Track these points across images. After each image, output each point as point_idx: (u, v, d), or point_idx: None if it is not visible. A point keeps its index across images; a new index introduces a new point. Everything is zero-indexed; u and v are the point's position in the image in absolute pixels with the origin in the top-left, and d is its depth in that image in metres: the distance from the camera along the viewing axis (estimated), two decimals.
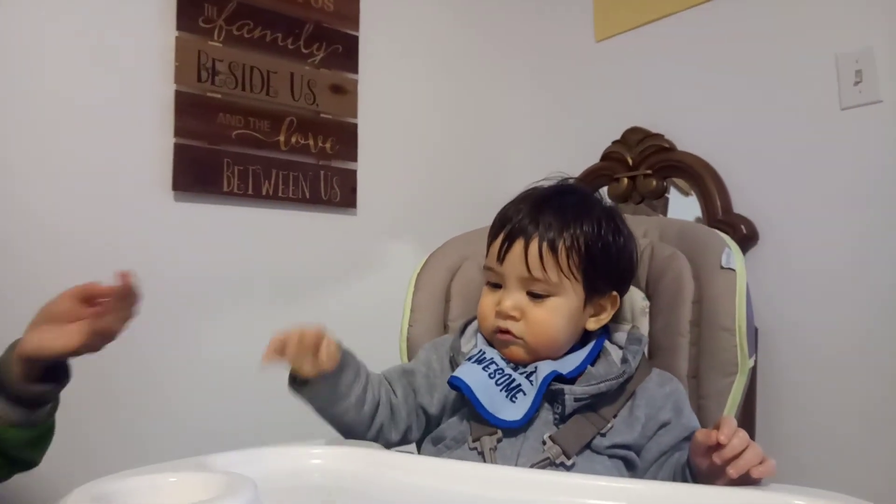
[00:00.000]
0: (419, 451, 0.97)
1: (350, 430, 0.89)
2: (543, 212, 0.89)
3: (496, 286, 0.91)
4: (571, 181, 1.02)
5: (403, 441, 0.94)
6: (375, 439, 0.90)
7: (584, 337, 0.94)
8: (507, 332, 0.89)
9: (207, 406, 1.51)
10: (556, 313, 0.87)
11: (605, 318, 0.92)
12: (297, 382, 0.85)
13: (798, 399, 1.45)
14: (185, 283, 1.51)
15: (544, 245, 0.87)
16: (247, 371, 1.49)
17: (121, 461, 1.35)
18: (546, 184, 0.98)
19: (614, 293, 0.93)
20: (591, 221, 0.89)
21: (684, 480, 0.77)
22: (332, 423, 0.89)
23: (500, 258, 0.89)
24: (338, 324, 1.70)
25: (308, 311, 1.64)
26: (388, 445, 0.92)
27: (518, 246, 0.88)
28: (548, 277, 0.86)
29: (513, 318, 0.88)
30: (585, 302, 0.90)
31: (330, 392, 0.85)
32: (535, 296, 0.88)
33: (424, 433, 0.96)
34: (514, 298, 0.88)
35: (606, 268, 0.90)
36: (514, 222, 0.90)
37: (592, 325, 0.92)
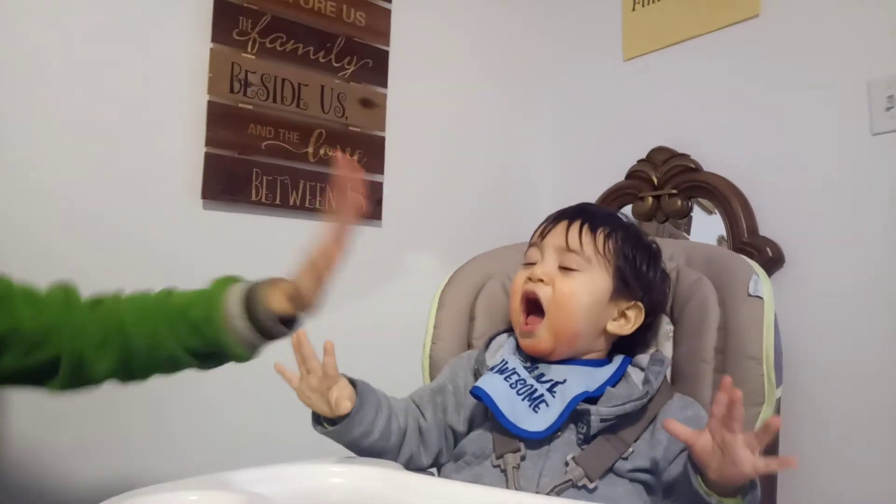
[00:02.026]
0: (440, 469, 0.98)
1: (381, 457, 0.90)
2: (591, 209, 0.98)
3: (531, 265, 0.95)
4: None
5: (435, 464, 0.95)
6: (406, 465, 0.90)
7: (609, 356, 0.94)
8: (532, 308, 0.92)
9: (235, 413, 1.52)
10: (581, 289, 0.90)
11: (627, 328, 0.93)
12: (320, 420, 0.87)
13: (823, 426, 1.43)
14: None
15: (586, 226, 0.93)
16: (272, 379, 1.52)
17: (149, 469, 1.38)
18: None
19: (640, 303, 0.93)
20: (628, 234, 0.95)
21: (685, 474, 0.77)
22: (362, 455, 0.90)
23: (543, 235, 0.95)
24: (362, 335, 1.73)
25: (332, 322, 1.65)
26: (420, 469, 0.92)
27: (561, 225, 0.95)
28: (582, 251, 0.91)
29: (542, 281, 0.91)
30: (612, 294, 0.92)
31: (352, 430, 0.86)
32: (566, 269, 0.92)
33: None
34: (546, 267, 0.92)
35: (637, 271, 0.93)
36: (561, 212, 0.98)
37: (612, 327, 0.93)
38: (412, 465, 0.91)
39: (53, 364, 0.88)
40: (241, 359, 0.94)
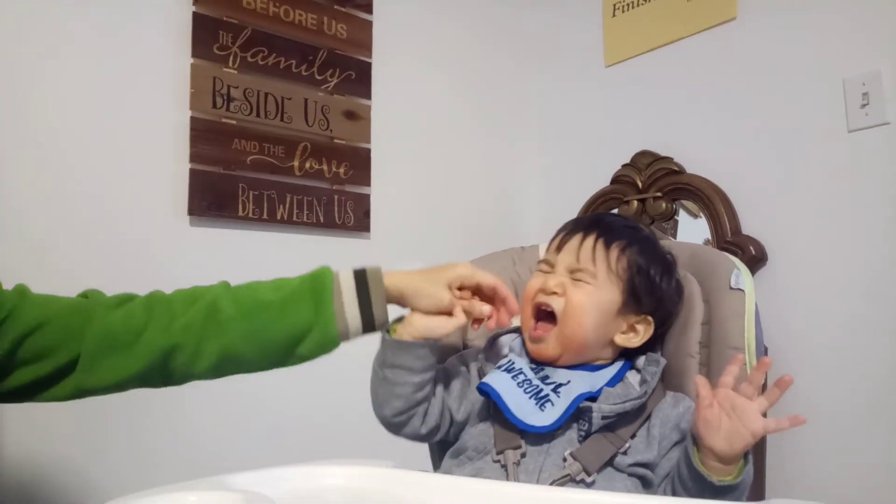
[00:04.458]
0: (438, 466, 0.98)
1: (387, 400, 0.91)
2: (608, 220, 0.98)
3: (545, 273, 0.96)
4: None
5: (429, 437, 0.96)
6: (401, 425, 0.93)
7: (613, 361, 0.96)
8: (543, 316, 0.92)
9: (225, 425, 1.52)
10: (592, 300, 0.91)
11: (635, 341, 0.94)
12: (396, 324, 0.90)
13: (807, 417, 1.44)
14: None
15: (600, 241, 0.93)
16: (261, 392, 1.52)
17: (138, 479, 1.37)
18: None
19: (649, 318, 0.94)
20: (643, 248, 0.95)
21: (687, 458, 0.79)
22: (381, 384, 0.92)
23: (559, 248, 0.96)
24: (351, 347, 1.72)
25: None
26: (414, 436, 0.94)
27: (575, 239, 0.95)
28: (594, 270, 0.92)
29: (555, 293, 0.92)
30: (621, 308, 0.92)
31: (409, 357, 0.89)
32: (578, 281, 0.92)
33: (444, 445, 0.98)
34: (558, 279, 0.93)
35: (649, 287, 0.94)
36: (579, 221, 0.99)
37: (620, 339, 0.93)
38: (409, 428, 0.93)
39: (68, 368, 0.84)
40: (333, 340, 0.89)
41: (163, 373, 0.88)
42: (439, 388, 0.96)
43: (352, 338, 0.90)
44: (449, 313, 0.90)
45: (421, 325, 0.89)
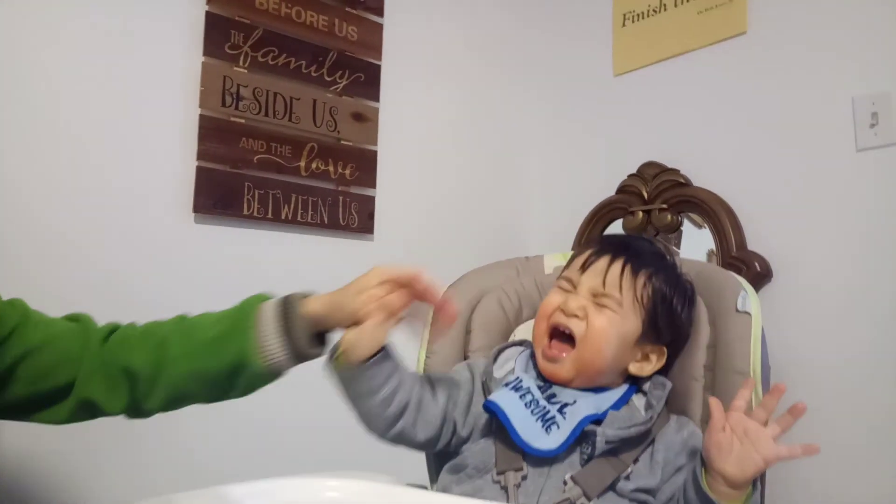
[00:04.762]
0: (436, 480, 0.98)
1: (369, 423, 0.90)
2: (637, 245, 0.96)
3: (565, 291, 0.94)
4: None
5: (427, 445, 0.94)
6: (396, 439, 0.91)
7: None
8: (558, 337, 0.90)
9: (222, 434, 1.51)
10: (615, 328, 0.89)
11: (648, 369, 0.93)
12: (335, 358, 0.86)
13: (811, 437, 1.44)
14: (203, 303, 1.51)
15: (628, 268, 0.91)
16: (260, 400, 1.51)
17: (135, 488, 1.37)
18: None
19: (664, 349, 0.94)
20: (669, 277, 0.94)
21: (695, 481, 0.79)
22: (355, 411, 0.89)
23: (583, 268, 0.93)
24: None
25: None
26: (413, 446, 0.93)
27: (603, 261, 0.92)
28: (620, 297, 0.90)
29: (576, 316, 0.90)
30: (640, 338, 0.91)
31: (360, 382, 0.86)
32: (599, 306, 0.91)
33: (441, 458, 0.97)
34: (581, 301, 0.91)
35: (670, 317, 0.93)
36: (607, 242, 0.96)
37: (634, 368, 0.93)
38: (403, 440, 0.91)
39: (65, 390, 0.85)
40: (263, 372, 0.86)
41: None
42: (441, 397, 0.93)
43: (286, 368, 0.87)
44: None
45: (348, 343, 0.84)
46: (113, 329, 0.91)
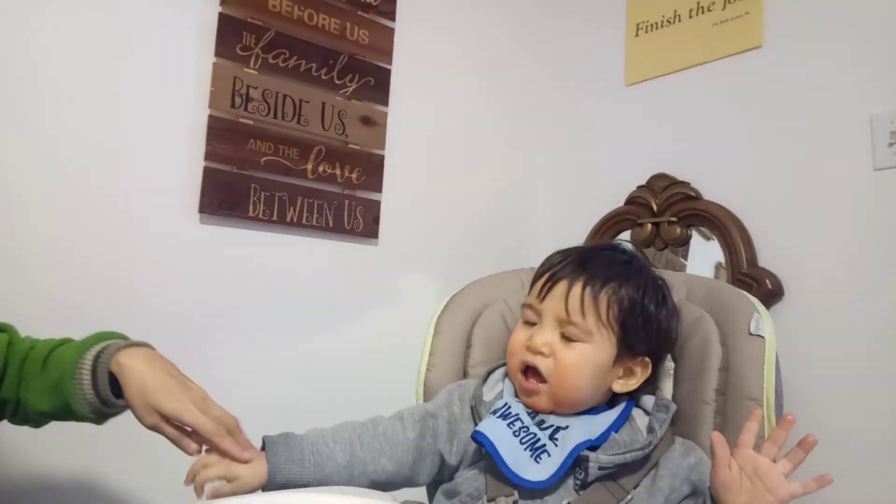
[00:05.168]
0: (430, 502, 0.96)
1: (372, 486, 0.89)
2: (593, 261, 0.90)
3: (531, 325, 0.91)
4: (627, 245, 1.01)
5: (435, 483, 0.93)
6: (404, 486, 0.91)
7: (612, 399, 0.92)
8: (532, 372, 0.88)
9: None
10: (584, 360, 0.86)
11: (633, 383, 0.90)
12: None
13: (823, 457, 1.41)
14: (206, 304, 1.52)
15: (588, 290, 0.87)
16: (264, 395, 1.50)
17: (133, 495, 1.35)
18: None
19: (647, 359, 0.91)
20: (637, 283, 0.89)
21: None
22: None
23: (542, 296, 0.89)
24: (355, 354, 1.71)
25: (326, 340, 1.65)
26: (408, 486, 0.92)
27: (561, 286, 0.88)
28: (584, 323, 0.86)
29: (542, 353, 0.87)
30: (616, 359, 0.88)
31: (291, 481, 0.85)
32: (567, 339, 0.87)
33: (438, 481, 0.95)
34: (546, 336, 0.87)
35: (644, 331, 0.89)
36: (561, 264, 0.91)
37: (619, 387, 0.90)
38: (379, 477, 0.91)
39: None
40: (87, 419, 0.90)
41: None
42: (413, 434, 0.92)
43: (113, 411, 0.89)
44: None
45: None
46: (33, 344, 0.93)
